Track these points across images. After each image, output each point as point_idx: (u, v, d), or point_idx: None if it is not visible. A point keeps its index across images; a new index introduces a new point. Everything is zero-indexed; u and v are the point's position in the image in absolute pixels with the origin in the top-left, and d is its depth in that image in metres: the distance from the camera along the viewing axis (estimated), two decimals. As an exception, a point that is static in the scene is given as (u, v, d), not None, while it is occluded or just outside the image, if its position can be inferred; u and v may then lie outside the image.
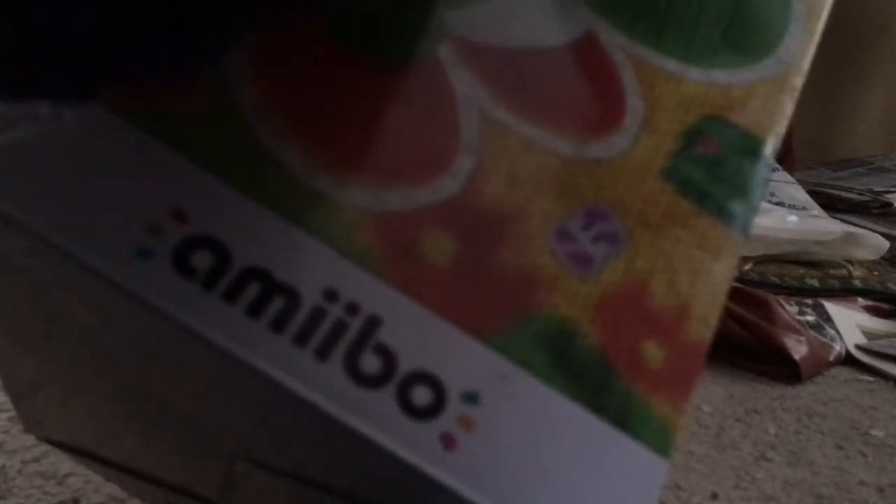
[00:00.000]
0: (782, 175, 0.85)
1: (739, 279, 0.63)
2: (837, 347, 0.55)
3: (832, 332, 0.56)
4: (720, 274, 0.17)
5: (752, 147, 0.18)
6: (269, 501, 0.19)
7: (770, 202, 0.75)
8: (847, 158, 1.14)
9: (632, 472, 0.15)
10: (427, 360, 0.14)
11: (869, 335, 0.58)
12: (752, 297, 0.56)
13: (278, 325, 0.14)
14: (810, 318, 0.57)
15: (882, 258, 0.70)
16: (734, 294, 0.56)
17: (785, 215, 0.71)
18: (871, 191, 0.92)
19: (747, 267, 0.65)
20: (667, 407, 0.16)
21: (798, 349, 0.52)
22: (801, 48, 0.19)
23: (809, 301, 0.60)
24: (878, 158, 1.12)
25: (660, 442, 0.15)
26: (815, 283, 0.64)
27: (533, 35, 0.17)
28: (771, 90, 0.19)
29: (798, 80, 0.19)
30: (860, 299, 0.63)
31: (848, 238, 0.68)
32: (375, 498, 0.16)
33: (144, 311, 0.13)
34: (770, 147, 0.18)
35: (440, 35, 0.17)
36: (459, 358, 0.15)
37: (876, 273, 0.67)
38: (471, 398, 0.14)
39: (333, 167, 0.15)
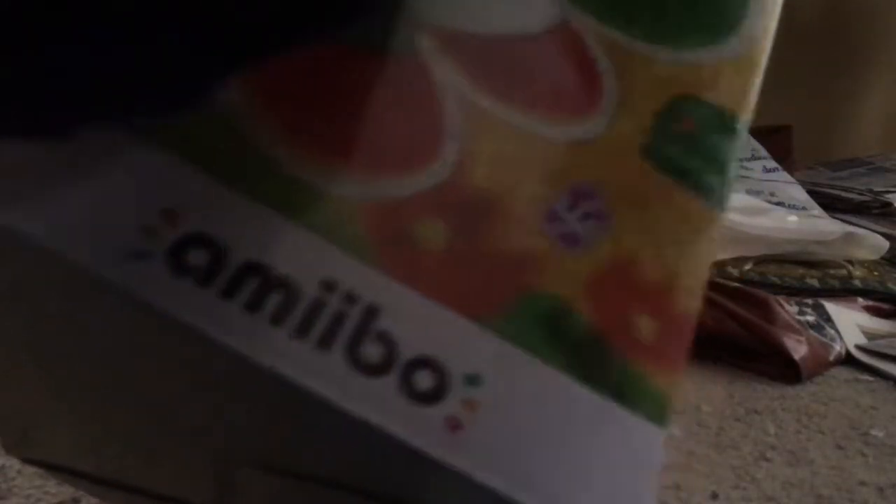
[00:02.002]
0: (782, 175, 0.85)
1: (739, 279, 0.63)
2: (837, 347, 0.55)
3: (832, 332, 0.56)
4: (703, 248, 0.17)
5: (725, 124, 0.18)
6: None
7: (770, 202, 0.75)
8: (847, 158, 1.14)
9: (632, 444, 0.15)
10: (428, 346, 0.15)
11: (869, 335, 0.58)
12: (752, 297, 0.56)
13: (278, 319, 0.14)
14: (810, 318, 0.57)
15: (882, 258, 0.70)
16: (734, 294, 0.56)
17: (785, 215, 0.71)
18: (871, 191, 0.92)
19: (747, 267, 0.65)
20: (662, 379, 0.16)
21: (798, 349, 0.52)
22: (762, 25, 0.20)
23: (809, 301, 0.60)
24: (878, 158, 1.12)
25: (658, 413, 0.15)
26: (815, 283, 0.64)
27: (510, 22, 0.18)
28: (738, 68, 0.19)
29: (762, 57, 0.19)
30: (860, 299, 0.63)
31: (848, 238, 0.68)
32: (385, 489, 0.16)
33: (142, 313, 0.13)
34: (743, 124, 0.19)
35: (419, 24, 0.17)
36: (459, 341, 0.15)
37: (876, 273, 0.67)
38: (473, 381, 0.15)
39: (322, 159, 0.15)
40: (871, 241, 0.69)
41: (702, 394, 0.49)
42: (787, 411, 0.46)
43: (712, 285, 0.58)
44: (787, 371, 0.51)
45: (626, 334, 0.16)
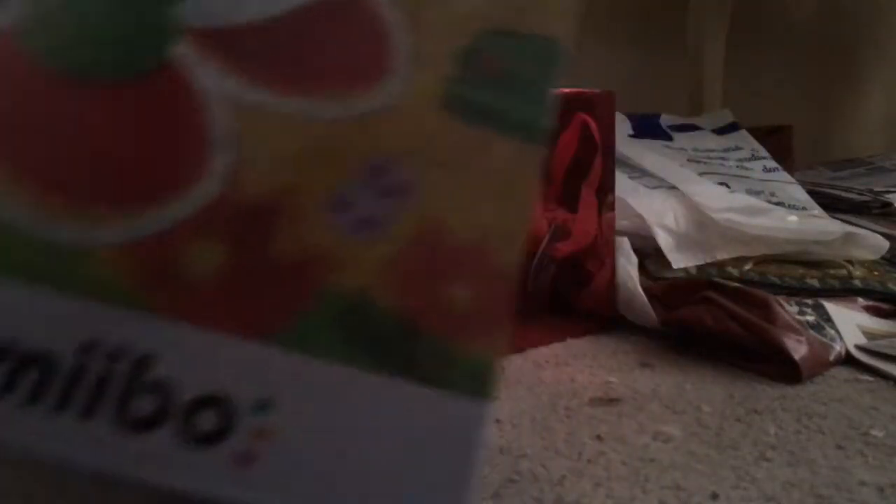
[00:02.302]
0: (782, 175, 0.85)
1: (739, 279, 0.63)
2: (837, 347, 0.55)
3: (832, 332, 0.56)
4: (521, 192, 0.16)
5: (540, 51, 0.17)
6: None
7: (770, 202, 0.75)
8: (847, 158, 1.14)
9: (449, 425, 0.14)
10: (210, 382, 0.14)
11: (869, 335, 0.58)
12: (752, 297, 0.56)
13: (34, 397, 0.13)
14: (810, 318, 0.57)
15: (882, 258, 0.70)
16: (734, 294, 0.56)
17: (785, 215, 0.70)
18: (871, 191, 0.92)
19: (747, 267, 0.65)
20: (480, 348, 0.15)
21: (798, 349, 0.52)
22: None
23: (809, 301, 0.60)
24: (878, 158, 1.11)
25: (478, 385, 0.15)
26: (815, 283, 0.64)
27: (274, 2, 0.16)
28: None
29: None
30: (860, 299, 0.63)
31: (848, 238, 0.68)
32: None
33: None
34: (563, 48, 0.17)
35: (175, 33, 0.16)
36: (245, 369, 0.14)
37: (876, 273, 0.67)
38: (263, 407, 0.14)
39: (71, 212, 0.14)
40: (871, 241, 0.68)
41: (702, 394, 0.49)
42: (787, 411, 0.46)
43: (712, 285, 0.58)
44: (787, 371, 0.51)
45: (436, 310, 0.15)
